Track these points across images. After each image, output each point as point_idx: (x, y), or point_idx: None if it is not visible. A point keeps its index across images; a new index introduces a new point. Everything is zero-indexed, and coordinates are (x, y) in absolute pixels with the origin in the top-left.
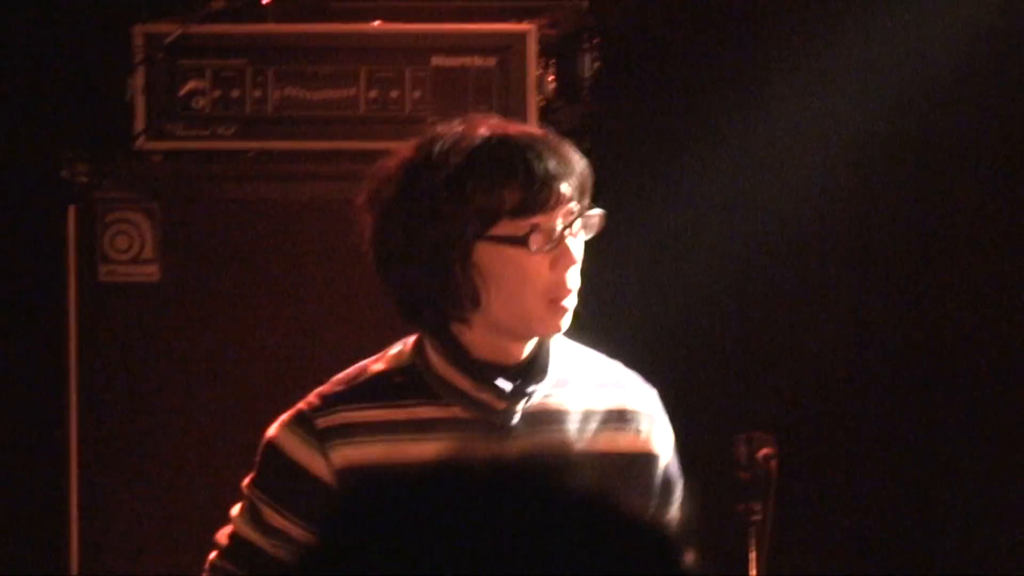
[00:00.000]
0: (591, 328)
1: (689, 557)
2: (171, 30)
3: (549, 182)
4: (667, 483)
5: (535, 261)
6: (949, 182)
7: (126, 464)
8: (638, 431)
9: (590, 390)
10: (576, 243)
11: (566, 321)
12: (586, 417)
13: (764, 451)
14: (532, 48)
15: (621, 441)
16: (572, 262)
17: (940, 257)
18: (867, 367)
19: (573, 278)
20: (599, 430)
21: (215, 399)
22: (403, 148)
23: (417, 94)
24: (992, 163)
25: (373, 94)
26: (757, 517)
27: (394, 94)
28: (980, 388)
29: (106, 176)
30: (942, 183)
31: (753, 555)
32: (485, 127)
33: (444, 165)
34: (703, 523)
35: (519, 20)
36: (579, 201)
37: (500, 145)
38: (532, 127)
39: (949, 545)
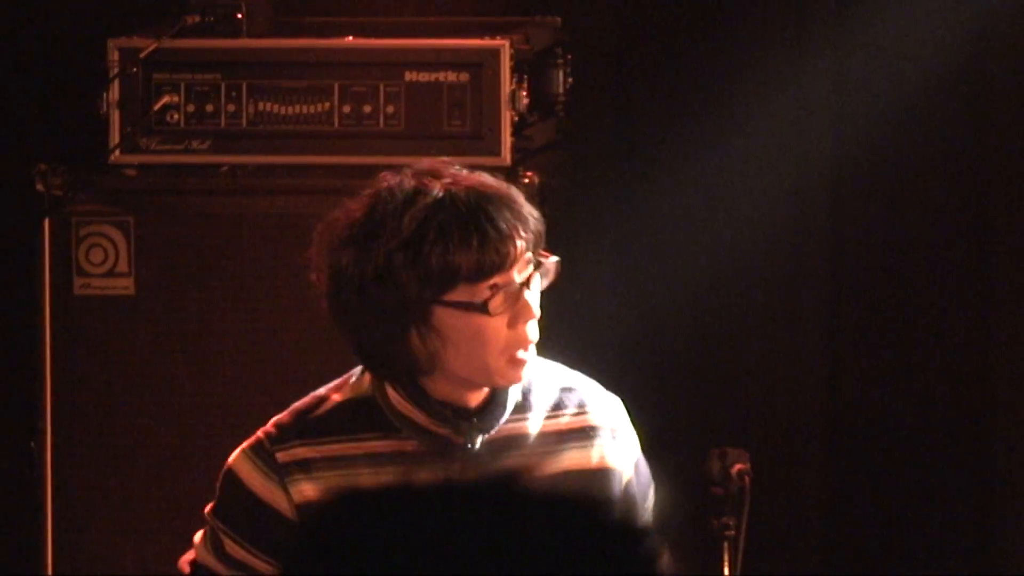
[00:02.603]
0: (563, 343)
1: (661, 563)
2: (145, 45)
3: (504, 241)
4: (631, 494)
5: (494, 322)
6: (924, 194)
7: (100, 475)
8: (600, 446)
9: (550, 410)
10: (534, 295)
11: (526, 371)
12: (546, 438)
13: (738, 466)
14: (506, 63)
15: (583, 458)
16: (531, 317)
17: (915, 270)
18: (842, 381)
19: (532, 331)
20: (561, 450)
21: (189, 411)
22: (354, 204)
23: (391, 109)
24: (967, 177)
25: (347, 109)
26: (731, 532)
27: (367, 109)
28: (957, 401)
29: (81, 189)
30: (917, 195)
31: (727, 570)
32: (437, 185)
33: (398, 230)
34: (677, 535)
35: (493, 36)
36: (534, 251)
37: (453, 207)
38: (485, 178)
39: (924, 561)
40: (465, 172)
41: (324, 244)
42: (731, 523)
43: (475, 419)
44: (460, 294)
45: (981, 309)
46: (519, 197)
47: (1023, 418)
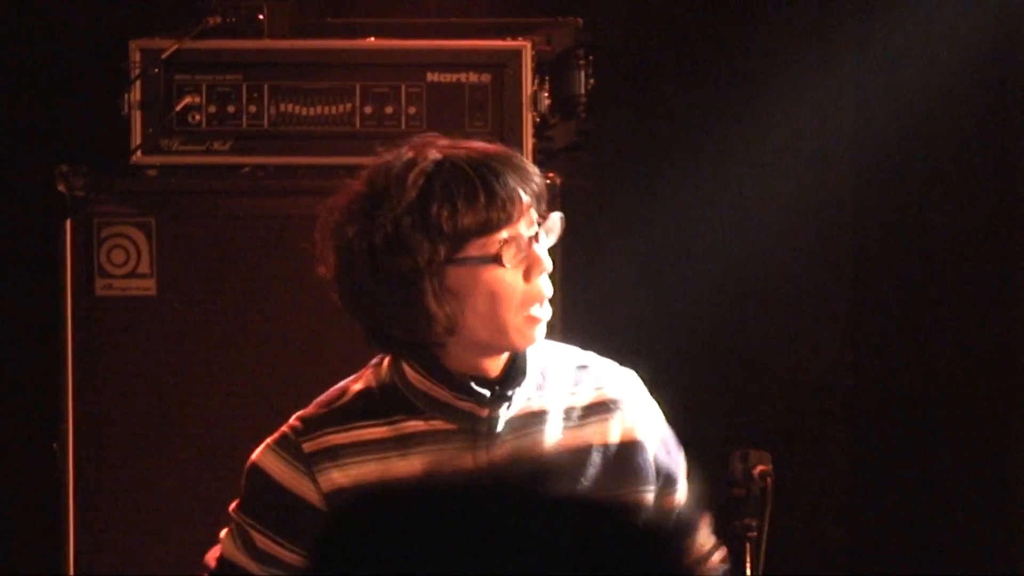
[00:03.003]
0: (584, 342)
1: (693, 542)
2: (167, 46)
3: (510, 196)
4: (662, 464)
5: (508, 275)
6: (947, 192)
7: (122, 476)
8: (622, 419)
9: (569, 386)
10: (543, 250)
11: (541, 332)
12: (568, 414)
13: (760, 468)
14: (527, 64)
15: (605, 433)
16: (544, 269)
17: (938, 269)
18: (864, 382)
19: (546, 285)
20: (583, 425)
21: (210, 412)
22: (355, 182)
23: (412, 110)
24: (991, 171)
25: (368, 110)
26: (753, 533)
27: (389, 110)
28: (980, 402)
29: (102, 190)
30: (940, 193)
31: (749, 571)
32: (435, 150)
33: (403, 194)
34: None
35: (514, 37)
36: (537, 208)
37: (455, 167)
38: (480, 142)
39: (947, 562)
40: (461, 139)
41: (328, 227)
42: (753, 524)
43: (496, 388)
44: (472, 250)
45: (1004, 309)
46: (521, 156)
47: None
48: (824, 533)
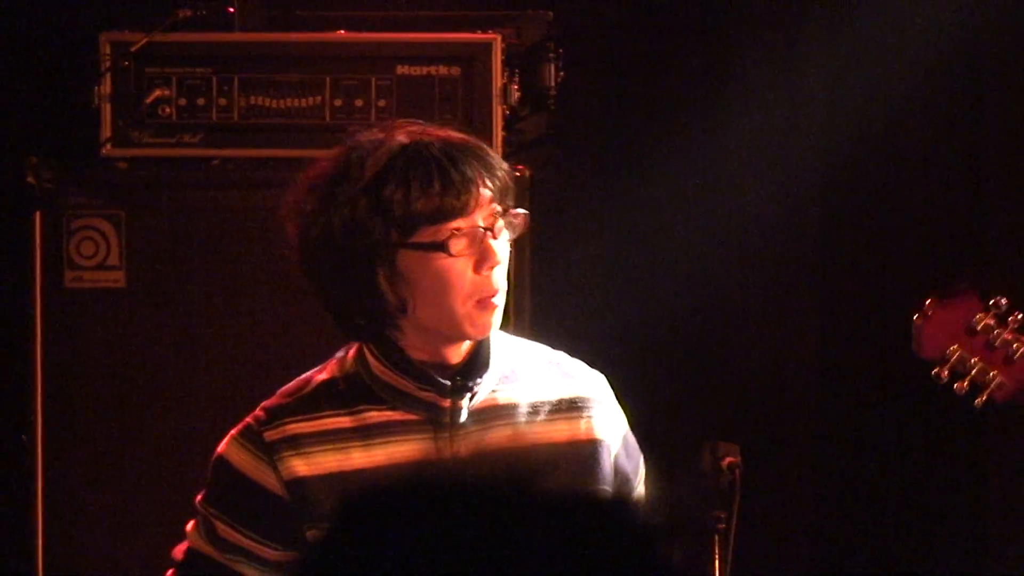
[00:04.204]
0: (553, 335)
1: (660, 539)
2: (137, 38)
3: (467, 186)
4: (621, 466)
5: (458, 265)
6: (916, 188)
7: (91, 466)
8: (588, 419)
9: (536, 382)
10: (500, 244)
11: (496, 319)
12: (535, 409)
13: (728, 459)
14: (497, 57)
15: (571, 430)
16: (496, 263)
17: (905, 265)
18: (832, 375)
19: (498, 278)
20: (548, 420)
21: (180, 404)
22: (323, 158)
23: (382, 102)
24: (961, 170)
25: (338, 102)
26: (721, 525)
27: (359, 102)
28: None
29: (72, 183)
30: (909, 191)
31: (717, 563)
32: (404, 134)
33: (361, 175)
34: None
35: (484, 30)
36: (501, 203)
37: (417, 152)
38: (454, 132)
39: (915, 554)
40: (435, 127)
41: (291, 202)
42: (722, 516)
43: (458, 378)
44: (423, 236)
45: None
46: (488, 149)
47: (1014, 415)
48: (793, 525)
